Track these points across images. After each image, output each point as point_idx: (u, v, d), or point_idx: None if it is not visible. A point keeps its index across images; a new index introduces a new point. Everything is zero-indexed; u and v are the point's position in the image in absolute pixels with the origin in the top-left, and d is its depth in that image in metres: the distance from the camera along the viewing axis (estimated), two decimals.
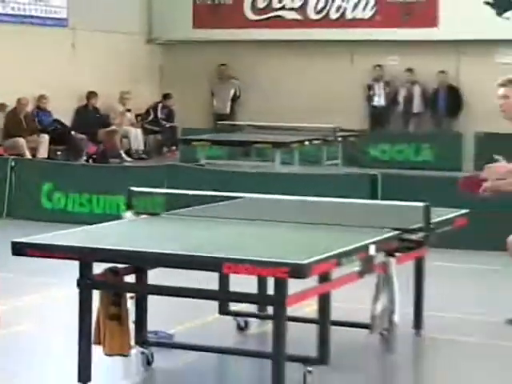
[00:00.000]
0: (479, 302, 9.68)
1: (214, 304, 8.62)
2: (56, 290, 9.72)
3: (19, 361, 8.06)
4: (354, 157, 22.60)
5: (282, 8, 25.26)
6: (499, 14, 23.39)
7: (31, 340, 8.82)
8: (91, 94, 23.39)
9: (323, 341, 7.37)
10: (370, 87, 24.61)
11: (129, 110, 24.05)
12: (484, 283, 9.67)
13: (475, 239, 11.02)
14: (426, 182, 13.53)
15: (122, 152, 22.98)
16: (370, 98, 24.65)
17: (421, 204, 8.18)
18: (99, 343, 7.31)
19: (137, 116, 24.58)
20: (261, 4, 25.37)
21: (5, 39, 21.09)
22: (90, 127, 23.08)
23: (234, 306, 8.79)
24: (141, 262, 7.31)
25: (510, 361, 8.58)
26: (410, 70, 24.01)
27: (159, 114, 25.00)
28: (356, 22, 24.66)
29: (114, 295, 7.35)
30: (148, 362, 7.77)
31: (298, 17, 25.13)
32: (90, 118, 23.31)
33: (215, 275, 7.64)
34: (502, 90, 9.24)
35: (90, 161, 21.60)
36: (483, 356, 8.68)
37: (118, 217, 9.30)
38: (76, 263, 7.23)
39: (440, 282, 9.71)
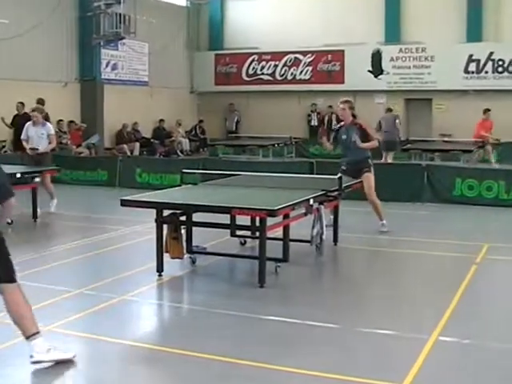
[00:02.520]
0: (365, 227, 9.66)
1: (227, 231, 8.59)
2: (142, 225, 9.66)
3: (120, 260, 8.06)
4: (300, 152, 22.51)
5: (262, 74, 24.99)
6: (375, 76, 23.19)
7: (129, 251, 8.80)
8: (161, 121, 23.21)
9: (285, 249, 7.35)
10: (309, 115, 24.39)
11: (180, 124, 23.82)
12: (367, 218, 9.64)
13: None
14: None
15: (177, 151, 22.83)
16: (309, 121, 24.44)
17: (336, 176, 8.15)
18: (167, 252, 7.28)
19: (185, 132, 24.39)
20: (250, 72, 25.10)
21: (115, 93, 20.94)
22: (160, 138, 22.94)
23: (238, 232, 8.77)
24: (188, 209, 7.28)
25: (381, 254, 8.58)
26: (330, 106, 23.73)
27: (197, 131, 24.85)
28: (301, 81, 24.40)
29: (175, 226, 7.32)
30: (193, 262, 7.75)
31: (271, 78, 24.87)
32: (161, 133, 23.13)
33: (227, 216, 7.58)
34: (341, 106, 9.55)
35: (161, 156, 21.46)
36: (362, 253, 8.68)
37: (176, 186, 9.24)
38: (153, 210, 7.19)
39: (347, 218, 9.67)
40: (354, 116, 9.66)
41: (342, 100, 9.69)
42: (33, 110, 11.70)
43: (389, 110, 18.23)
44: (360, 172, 9.42)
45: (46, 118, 11.78)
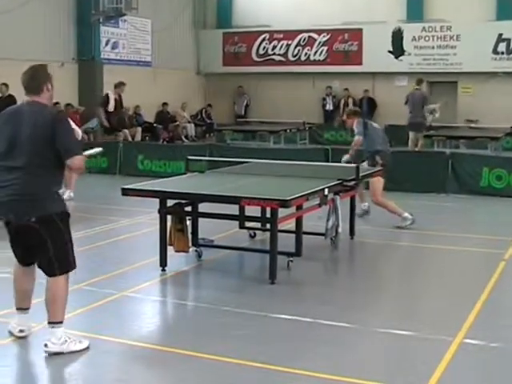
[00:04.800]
0: (385, 219, 9.64)
1: (236, 223, 8.58)
2: (145, 215, 9.68)
3: (121, 253, 8.08)
4: (315, 138, 22.44)
5: (273, 54, 24.93)
6: (396, 57, 23.09)
7: (130, 244, 8.81)
8: (164, 104, 23.20)
9: (298, 243, 7.35)
10: (324, 99, 24.30)
11: (185, 108, 23.81)
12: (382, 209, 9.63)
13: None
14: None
15: (182, 137, 22.84)
16: (323, 105, 24.35)
17: (353, 165, 8.12)
18: (171, 245, 7.30)
19: (191, 116, 24.40)
20: (261, 52, 25.05)
21: (116, 74, 20.80)
22: (164, 123, 22.95)
23: (247, 224, 8.76)
24: (193, 199, 7.30)
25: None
26: (346, 89, 23.72)
27: (203, 115, 24.86)
28: (316, 62, 24.33)
29: (179, 218, 7.32)
30: (199, 256, 7.76)
31: (283, 59, 24.81)
32: (164, 117, 23.13)
33: (236, 207, 7.57)
34: (345, 117, 10.13)
35: (164, 142, 21.44)
36: (381, 248, 8.67)
37: (181, 174, 9.23)
38: (157, 200, 7.19)
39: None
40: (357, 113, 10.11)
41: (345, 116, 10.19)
42: None
43: (417, 88, 17.43)
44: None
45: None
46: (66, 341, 4.94)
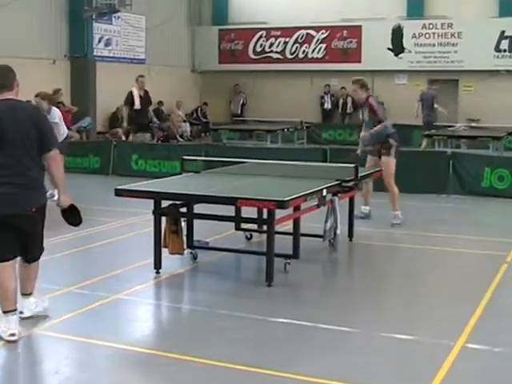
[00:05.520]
0: (384, 221, 9.65)
1: (232, 224, 8.57)
2: (139, 217, 9.66)
3: (114, 255, 8.07)
4: (313, 138, 22.43)
5: (271, 51, 24.96)
6: (396, 55, 23.15)
7: (124, 246, 8.80)
8: (160, 102, 23.17)
9: (296, 245, 7.34)
10: (322, 97, 24.32)
11: (179, 107, 23.80)
12: (387, 211, 9.63)
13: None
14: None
15: (177, 136, 22.83)
16: (322, 104, 24.37)
17: (352, 165, 8.12)
18: (166, 247, 7.28)
19: (186, 115, 24.39)
20: (258, 49, 25.08)
21: (109, 71, 20.88)
22: (159, 121, 22.95)
23: (244, 225, 8.75)
24: (189, 199, 7.29)
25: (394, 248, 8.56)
26: (343, 87, 23.75)
27: (199, 114, 24.87)
28: (314, 60, 24.35)
29: (174, 219, 7.30)
30: (194, 258, 7.73)
31: (280, 56, 24.85)
32: (160, 116, 23.14)
33: (232, 208, 7.55)
34: (352, 87, 9.91)
35: (159, 141, 21.41)
36: (380, 250, 8.67)
37: (176, 174, 9.22)
38: (151, 201, 7.18)
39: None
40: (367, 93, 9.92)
41: (352, 80, 9.98)
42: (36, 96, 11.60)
43: (429, 87, 17.65)
44: (379, 154, 9.71)
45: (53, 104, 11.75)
46: (36, 306, 5.69)
